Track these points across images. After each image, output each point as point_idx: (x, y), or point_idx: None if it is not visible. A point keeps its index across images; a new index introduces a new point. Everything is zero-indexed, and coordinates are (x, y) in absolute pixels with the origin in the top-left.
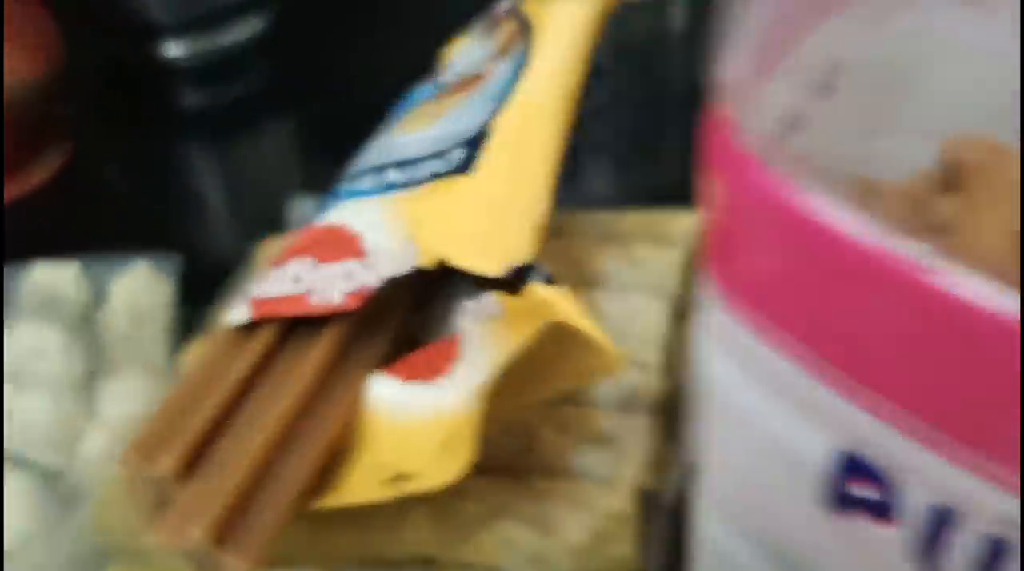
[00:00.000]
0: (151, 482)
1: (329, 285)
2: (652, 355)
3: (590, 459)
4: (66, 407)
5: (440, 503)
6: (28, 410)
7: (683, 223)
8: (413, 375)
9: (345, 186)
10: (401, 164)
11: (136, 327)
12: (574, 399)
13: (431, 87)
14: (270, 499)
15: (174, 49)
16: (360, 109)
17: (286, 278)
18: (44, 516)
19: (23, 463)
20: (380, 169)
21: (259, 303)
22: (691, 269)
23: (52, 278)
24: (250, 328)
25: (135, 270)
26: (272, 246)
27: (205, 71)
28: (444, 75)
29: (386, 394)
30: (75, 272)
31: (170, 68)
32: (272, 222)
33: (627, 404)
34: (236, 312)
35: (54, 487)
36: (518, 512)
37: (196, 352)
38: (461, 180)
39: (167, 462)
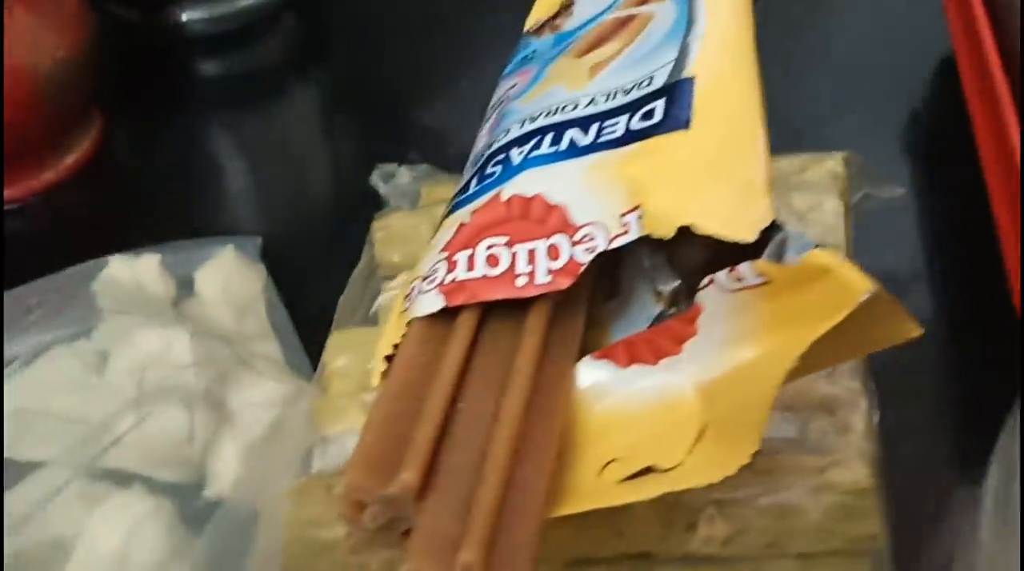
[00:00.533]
0: (383, 503)
1: (533, 263)
2: None
3: (815, 428)
4: (200, 417)
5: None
6: (160, 424)
7: (829, 166)
8: (634, 359)
9: (505, 154)
10: (582, 123)
11: (237, 319)
12: None
13: (549, 40)
14: (523, 510)
15: (191, 15)
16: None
17: (479, 259)
18: (175, 540)
19: (149, 483)
20: (549, 131)
21: (454, 289)
22: (849, 217)
23: (131, 273)
24: (440, 317)
25: (221, 257)
26: (387, 221)
27: (223, 38)
28: (563, 24)
29: (603, 381)
30: (155, 263)
31: (188, 36)
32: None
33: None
34: (424, 301)
35: (184, 506)
36: (749, 496)
37: (337, 346)
38: (677, 137)
39: (407, 478)
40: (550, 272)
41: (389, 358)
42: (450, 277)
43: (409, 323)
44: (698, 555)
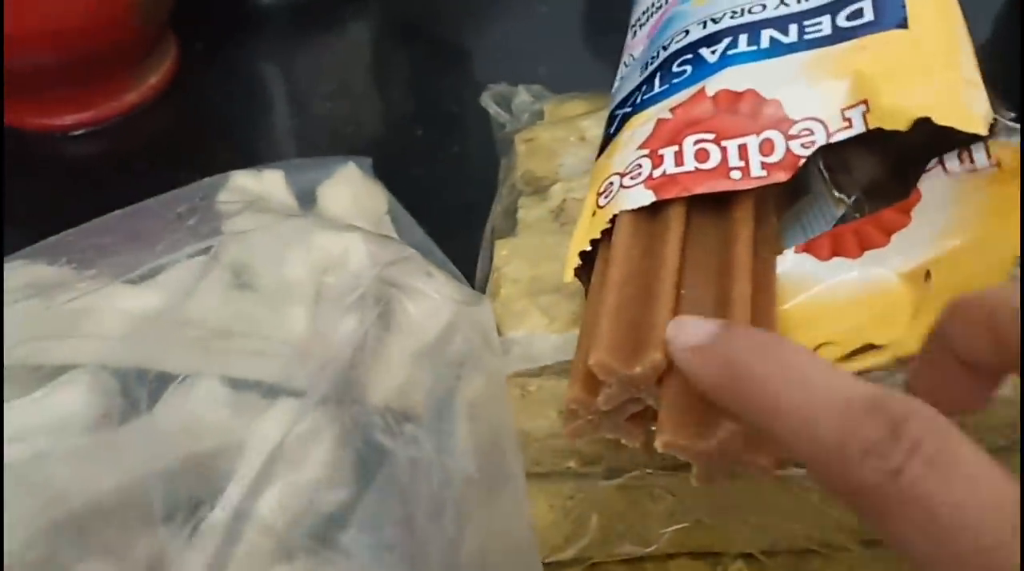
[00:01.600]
0: (625, 384)
1: (744, 158)
2: None
3: None
4: (372, 324)
5: None
6: (333, 328)
7: None
8: (836, 251)
9: (692, 53)
10: (778, 23)
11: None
12: None
13: None
14: None
15: None
16: None
17: (687, 154)
18: (340, 449)
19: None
20: (742, 31)
21: (664, 182)
22: None
23: (255, 184)
24: (645, 212)
25: (343, 173)
26: (531, 134)
27: None
28: None
29: (806, 273)
30: (280, 177)
31: None
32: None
33: None
34: (632, 196)
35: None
36: None
37: (505, 253)
38: (897, 35)
39: (658, 358)
40: (764, 166)
41: (583, 254)
42: (658, 171)
43: (614, 218)
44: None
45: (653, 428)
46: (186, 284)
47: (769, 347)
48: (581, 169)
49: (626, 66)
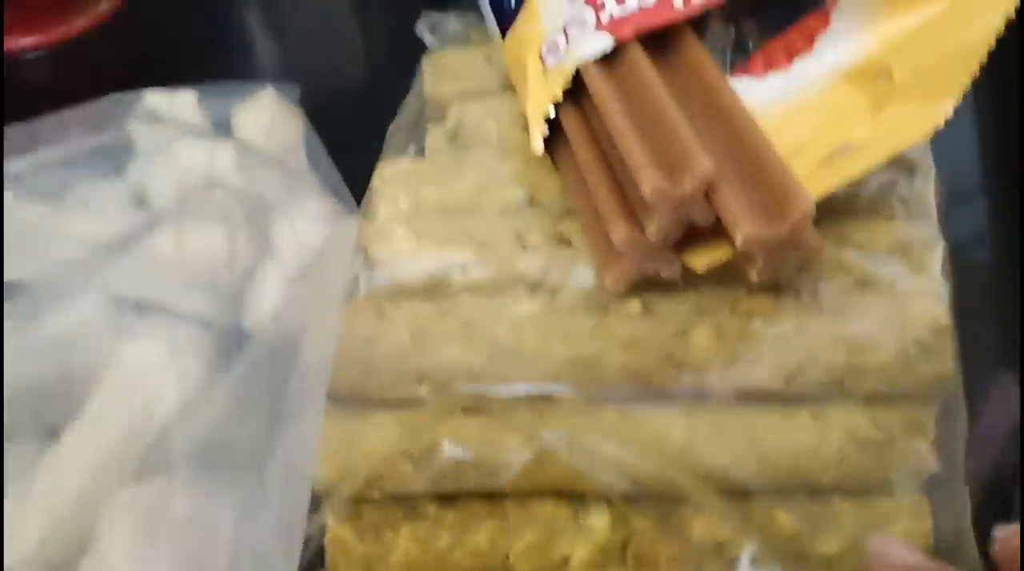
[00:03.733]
0: (678, 205)
1: None
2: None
3: (888, 270)
4: (242, 241)
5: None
6: (198, 244)
7: None
8: (769, 66)
9: None
10: None
11: (278, 160)
12: (855, 211)
13: None
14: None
15: None
16: None
17: None
18: (210, 370)
19: (183, 311)
20: None
21: (616, 24)
22: None
23: (166, 105)
24: (607, 59)
25: (259, 98)
26: (438, 58)
27: None
28: None
29: (748, 93)
30: (192, 98)
31: None
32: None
33: (909, 213)
34: (590, 43)
35: (220, 336)
36: (819, 328)
37: (386, 175)
38: None
39: (707, 165)
40: None
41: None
42: (604, 16)
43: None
44: (759, 391)
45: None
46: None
47: None
48: (481, 90)
49: None
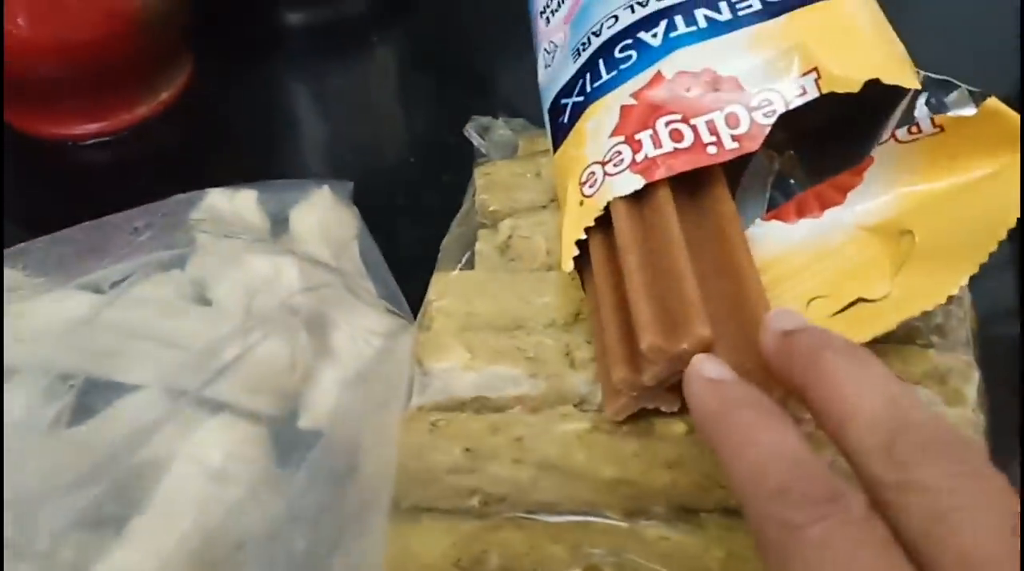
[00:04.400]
0: (674, 360)
1: (715, 133)
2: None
3: (924, 396)
4: (302, 346)
5: None
6: (265, 352)
7: None
8: (801, 214)
9: (631, 38)
10: (708, 3)
11: (333, 258)
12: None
13: None
14: None
15: None
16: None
17: (663, 136)
18: (269, 468)
19: (245, 410)
20: (675, 12)
21: (648, 166)
22: None
23: (228, 203)
24: (637, 196)
25: (316, 196)
26: (490, 168)
27: None
28: None
29: (777, 236)
30: (253, 196)
31: None
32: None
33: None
34: (621, 182)
35: (279, 436)
36: None
37: (441, 286)
38: (825, 7)
39: (704, 333)
40: (734, 138)
41: (579, 243)
42: (640, 156)
43: (608, 205)
44: None
45: None
46: (142, 295)
47: (761, 401)
48: (531, 205)
49: (548, 53)
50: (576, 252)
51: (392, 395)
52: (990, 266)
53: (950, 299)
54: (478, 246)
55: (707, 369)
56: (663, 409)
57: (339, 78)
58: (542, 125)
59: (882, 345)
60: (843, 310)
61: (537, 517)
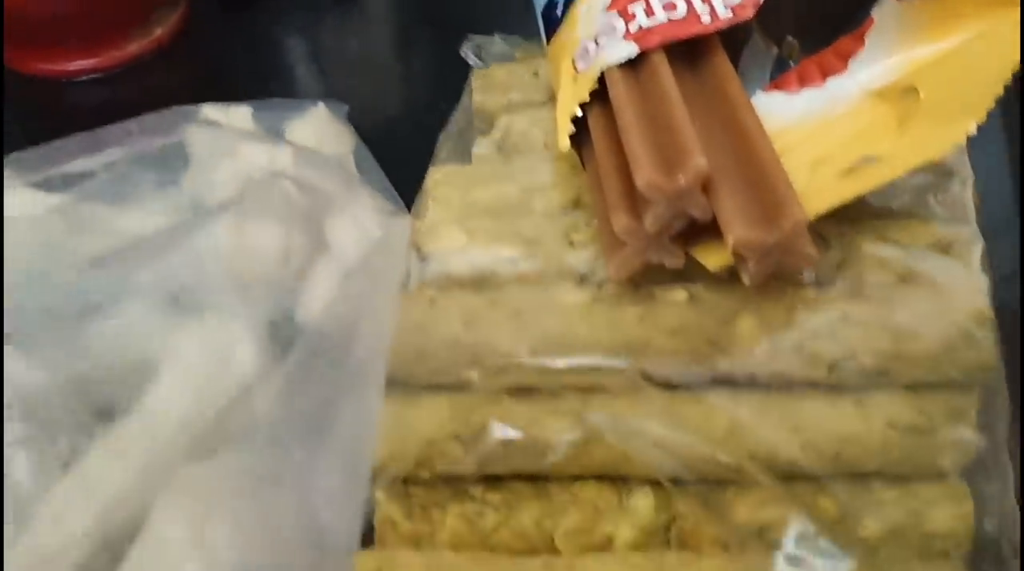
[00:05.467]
0: (672, 199)
1: (708, 2)
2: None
3: (930, 265)
4: (298, 237)
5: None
6: (256, 238)
7: None
8: (803, 83)
9: None
10: None
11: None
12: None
13: None
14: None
15: None
16: None
17: (656, 7)
18: (264, 362)
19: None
20: None
21: (643, 35)
22: None
23: (223, 117)
24: (627, 66)
25: (312, 114)
26: (487, 71)
27: None
28: None
29: (780, 106)
30: (248, 112)
31: None
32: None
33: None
34: (615, 50)
35: (274, 330)
36: (863, 317)
37: (437, 178)
38: None
39: (700, 163)
40: (728, 7)
41: (577, 124)
42: (633, 26)
43: (601, 77)
44: (803, 378)
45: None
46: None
47: None
48: (528, 103)
49: None
50: (572, 130)
51: (388, 282)
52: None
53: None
54: (475, 150)
55: None
56: (667, 265)
57: (335, 18)
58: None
59: (884, 220)
60: (849, 171)
61: (536, 389)
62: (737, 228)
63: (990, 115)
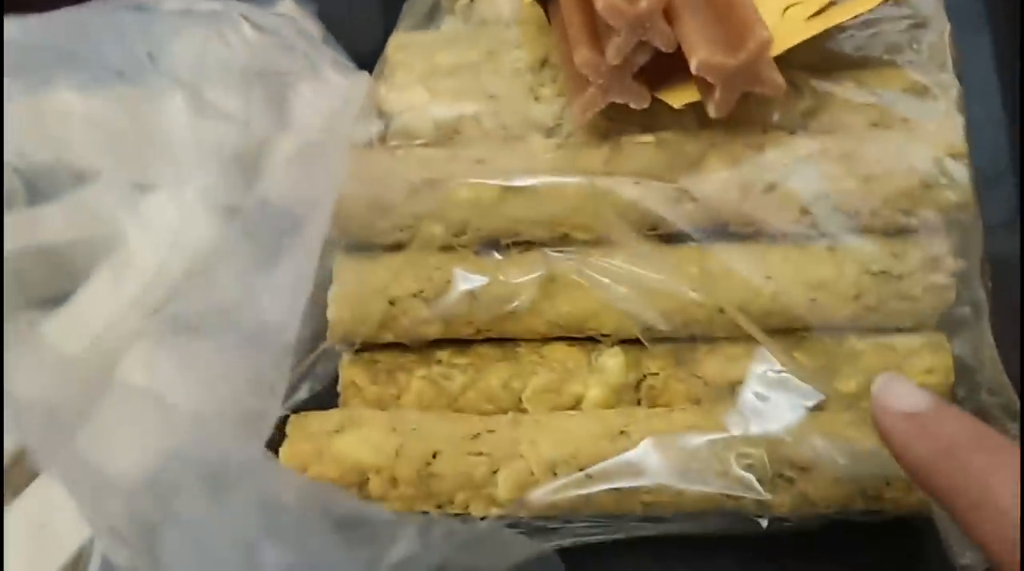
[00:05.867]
0: (633, 26)
1: None
2: None
3: (904, 107)
4: (257, 104)
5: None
6: (219, 111)
7: None
8: None
9: None
10: None
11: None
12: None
13: None
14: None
15: None
16: None
17: None
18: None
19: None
20: None
21: None
22: None
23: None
24: None
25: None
26: None
27: None
28: None
29: None
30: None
31: None
32: None
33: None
34: None
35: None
36: (834, 160)
37: (399, 44)
38: None
39: None
40: None
41: None
42: None
43: None
44: (774, 225)
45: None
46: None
47: (986, 439)
48: None
49: None
50: None
51: (342, 139)
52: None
53: None
54: (443, 27)
55: (895, 398)
56: (633, 105)
57: None
58: None
59: (859, 69)
60: (818, 12)
61: (500, 246)
62: (701, 51)
63: (985, 67)
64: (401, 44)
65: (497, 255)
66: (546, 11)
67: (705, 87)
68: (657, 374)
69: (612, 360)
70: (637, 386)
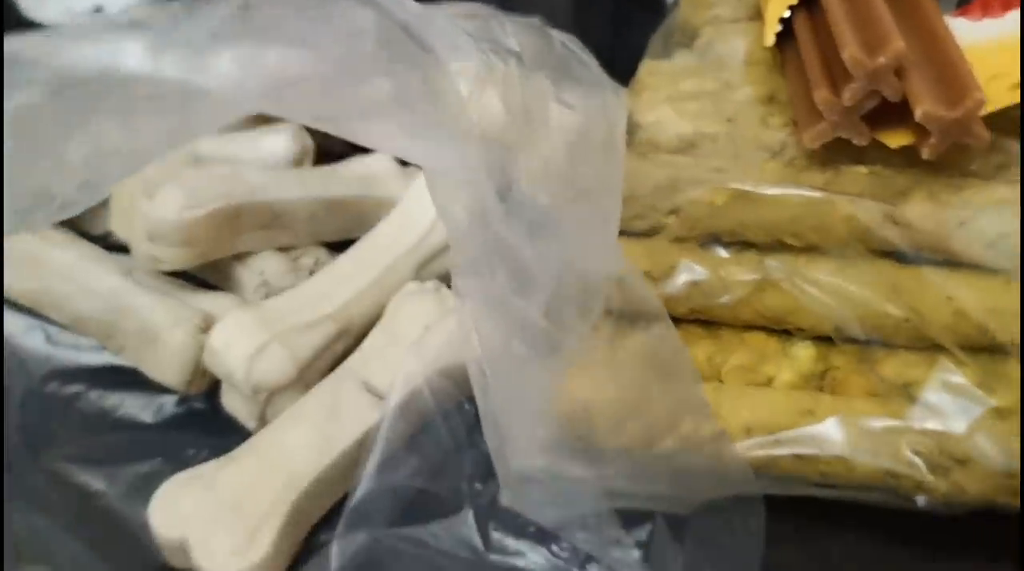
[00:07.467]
0: (871, 77)
1: None
2: None
3: None
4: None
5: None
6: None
7: None
8: (985, 13)
9: None
10: None
11: None
12: None
13: None
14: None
15: None
16: None
17: None
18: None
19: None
20: None
21: None
22: None
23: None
24: None
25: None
26: None
27: None
28: None
29: (963, 30)
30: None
31: None
32: None
33: None
34: None
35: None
36: (1014, 204)
37: (648, 69)
38: None
39: (899, 46)
40: None
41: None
42: None
43: None
44: (961, 254)
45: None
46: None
47: None
48: (733, 18)
49: None
50: (780, 28)
51: (610, 144)
52: None
53: None
54: (675, 61)
55: None
56: (855, 141)
57: None
58: None
59: None
60: (1018, 84)
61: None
62: (926, 103)
63: None
64: (651, 70)
65: (722, 252)
66: (782, 58)
67: (922, 134)
68: (840, 368)
69: (804, 351)
70: (822, 376)
